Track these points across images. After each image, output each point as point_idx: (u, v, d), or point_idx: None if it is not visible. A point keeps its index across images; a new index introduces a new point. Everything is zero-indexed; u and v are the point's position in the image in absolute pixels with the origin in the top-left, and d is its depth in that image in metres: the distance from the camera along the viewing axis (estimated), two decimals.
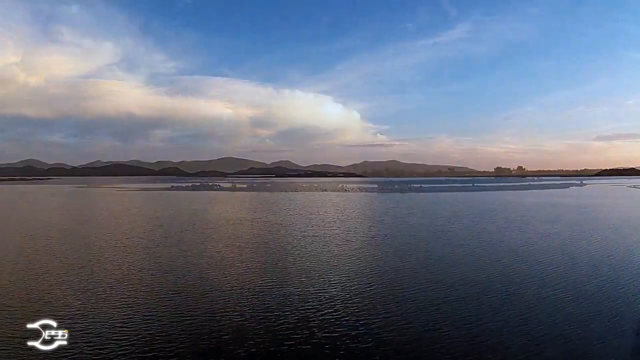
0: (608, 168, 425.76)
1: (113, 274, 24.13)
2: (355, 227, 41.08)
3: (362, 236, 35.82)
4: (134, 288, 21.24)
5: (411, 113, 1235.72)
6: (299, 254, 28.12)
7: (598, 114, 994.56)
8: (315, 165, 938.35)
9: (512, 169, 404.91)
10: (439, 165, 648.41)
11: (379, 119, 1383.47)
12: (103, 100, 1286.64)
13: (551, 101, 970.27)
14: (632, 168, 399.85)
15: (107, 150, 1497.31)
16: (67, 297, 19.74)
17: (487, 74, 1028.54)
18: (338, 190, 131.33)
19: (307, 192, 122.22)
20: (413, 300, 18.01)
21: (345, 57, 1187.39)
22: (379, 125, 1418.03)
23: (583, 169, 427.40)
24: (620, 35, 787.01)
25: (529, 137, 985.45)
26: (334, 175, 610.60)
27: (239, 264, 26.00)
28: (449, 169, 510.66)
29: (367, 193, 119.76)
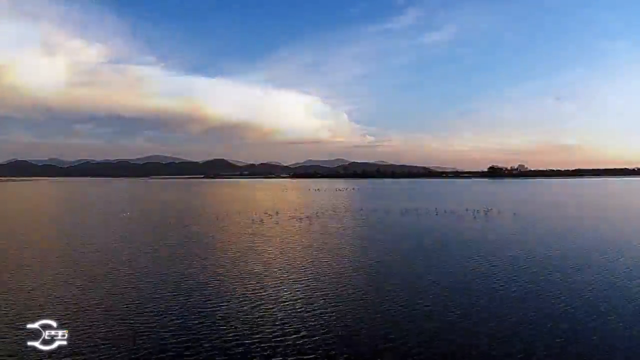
0: (572, 169, 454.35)
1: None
2: None
3: None
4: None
5: (356, 107, 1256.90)
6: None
7: (568, 108, 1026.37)
8: (253, 165, 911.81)
9: (509, 167, 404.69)
10: (396, 165, 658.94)
11: (321, 113, 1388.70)
12: (19, 91, 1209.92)
13: (516, 94, 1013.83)
14: (611, 168, 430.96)
15: (24, 147, 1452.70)
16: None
17: (443, 64, 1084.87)
18: None
19: None
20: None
21: (283, 44, 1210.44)
22: (322, 120, 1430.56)
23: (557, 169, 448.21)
24: (594, 23, 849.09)
25: (492, 135, 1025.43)
26: (277, 175, 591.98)
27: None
28: (411, 169, 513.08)
29: None
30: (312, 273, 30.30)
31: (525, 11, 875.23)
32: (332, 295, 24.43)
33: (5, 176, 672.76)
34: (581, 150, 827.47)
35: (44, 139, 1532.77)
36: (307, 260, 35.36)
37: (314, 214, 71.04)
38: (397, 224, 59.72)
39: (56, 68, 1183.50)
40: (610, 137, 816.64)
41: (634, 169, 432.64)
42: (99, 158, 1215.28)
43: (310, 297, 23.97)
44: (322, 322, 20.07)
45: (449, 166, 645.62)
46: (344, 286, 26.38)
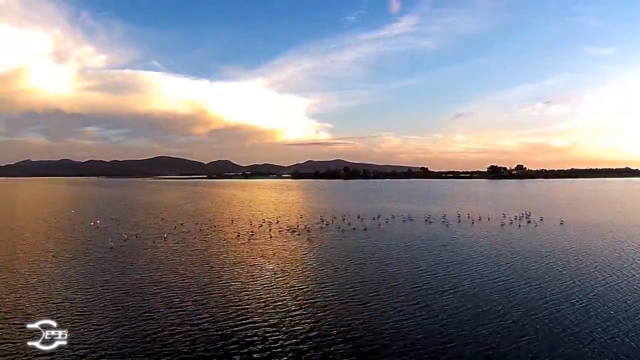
0: (567, 168, 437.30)
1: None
2: None
3: None
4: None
5: (355, 110, 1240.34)
6: None
7: (557, 111, 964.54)
8: (256, 165, 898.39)
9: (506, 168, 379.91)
10: (392, 166, 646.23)
11: (320, 116, 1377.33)
12: (31, 95, 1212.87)
13: (507, 98, 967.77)
14: (598, 169, 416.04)
15: (36, 148, 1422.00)
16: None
17: (437, 69, 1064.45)
18: None
19: None
20: None
21: (283, 51, 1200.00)
22: (322, 123, 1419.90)
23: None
24: (582, 30, 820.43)
25: (484, 136, 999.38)
26: (278, 175, 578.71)
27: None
28: (411, 169, 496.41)
29: None
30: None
31: (515, 19, 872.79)
32: None
33: (18, 176, 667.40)
34: (571, 151, 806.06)
35: (56, 140, 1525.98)
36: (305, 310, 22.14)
37: (316, 225, 55.26)
38: (435, 238, 44.25)
39: (67, 73, 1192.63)
40: (598, 138, 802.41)
41: (629, 169, 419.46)
42: (109, 158, 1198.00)
43: None
44: None
45: (445, 167, 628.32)
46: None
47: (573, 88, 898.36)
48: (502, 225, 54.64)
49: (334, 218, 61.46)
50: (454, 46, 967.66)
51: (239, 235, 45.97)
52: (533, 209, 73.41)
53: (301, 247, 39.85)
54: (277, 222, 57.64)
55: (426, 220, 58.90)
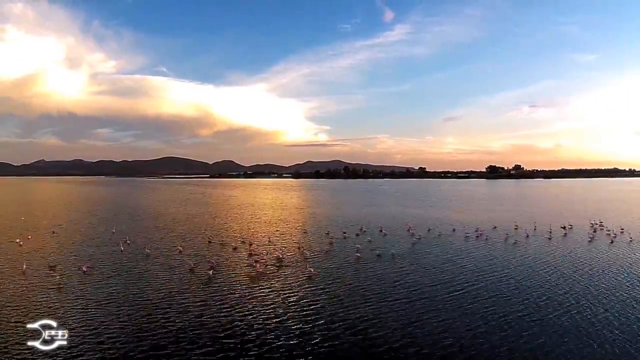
0: (558, 169, 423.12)
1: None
2: None
3: None
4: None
5: (352, 113, 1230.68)
6: None
7: (543, 114, 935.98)
8: (258, 165, 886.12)
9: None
10: (387, 166, 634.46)
11: (319, 119, 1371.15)
12: (46, 98, 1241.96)
13: (495, 102, 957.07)
14: (582, 169, 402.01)
15: (50, 149, 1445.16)
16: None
17: (429, 75, 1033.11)
18: None
19: None
20: None
21: (283, 57, 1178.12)
22: (320, 125, 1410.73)
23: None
24: (565, 38, 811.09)
25: (473, 138, 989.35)
26: (279, 175, 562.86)
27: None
28: (409, 169, 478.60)
29: None
30: None
31: (503, 28, 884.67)
32: None
33: (33, 175, 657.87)
34: (557, 153, 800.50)
35: (69, 141, 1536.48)
36: None
37: (321, 247, 36.67)
38: (522, 274, 25.53)
39: (79, 78, 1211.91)
40: (583, 140, 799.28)
41: (617, 169, 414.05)
42: (119, 159, 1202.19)
43: None
44: None
45: (437, 167, 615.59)
46: None
47: (558, 92, 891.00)
48: (589, 241, 37.16)
49: (345, 233, 41.79)
50: (445, 53, 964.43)
51: (191, 270, 27.11)
52: (593, 215, 56.14)
53: (295, 302, 21.40)
54: (269, 241, 38.44)
55: (477, 236, 40.25)
